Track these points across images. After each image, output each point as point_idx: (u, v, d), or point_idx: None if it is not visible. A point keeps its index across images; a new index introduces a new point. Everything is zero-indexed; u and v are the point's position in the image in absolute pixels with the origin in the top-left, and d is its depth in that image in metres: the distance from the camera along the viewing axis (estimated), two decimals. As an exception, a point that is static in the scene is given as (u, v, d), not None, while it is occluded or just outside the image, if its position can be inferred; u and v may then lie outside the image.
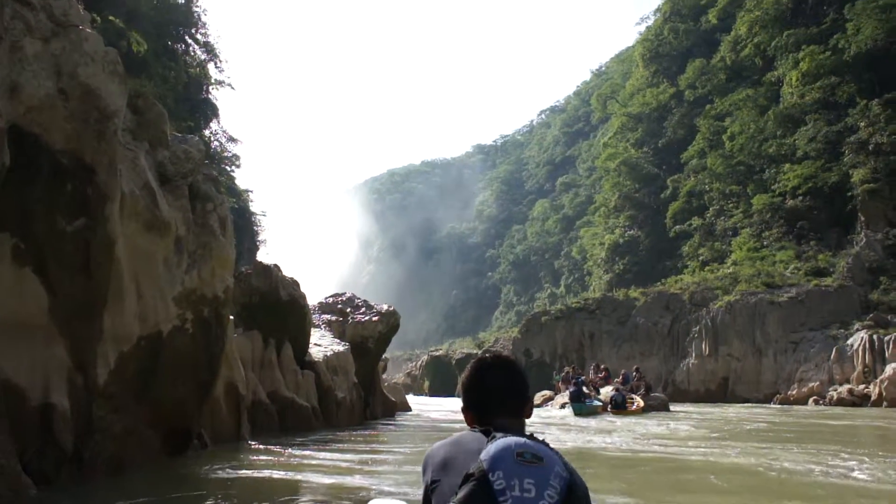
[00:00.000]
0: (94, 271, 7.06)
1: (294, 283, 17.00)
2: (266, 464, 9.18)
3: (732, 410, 26.32)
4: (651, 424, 17.86)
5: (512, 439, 1.91)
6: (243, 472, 8.71)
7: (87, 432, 7.14)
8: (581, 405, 23.12)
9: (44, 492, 6.36)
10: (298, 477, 8.45)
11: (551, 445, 1.94)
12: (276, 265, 17.08)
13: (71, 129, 6.76)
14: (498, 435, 1.96)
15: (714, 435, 14.89)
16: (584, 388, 25.07)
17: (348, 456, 10.60)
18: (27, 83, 6.38)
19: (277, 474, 8.56)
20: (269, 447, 11.31)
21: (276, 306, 16.36)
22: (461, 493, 1.82)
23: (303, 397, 16.35)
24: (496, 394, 2.21)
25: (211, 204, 9.93)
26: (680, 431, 16.02)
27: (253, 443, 11.72)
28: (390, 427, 18.60)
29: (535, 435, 2.00)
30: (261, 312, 16.23)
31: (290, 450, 11.17)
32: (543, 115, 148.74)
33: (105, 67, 7.13)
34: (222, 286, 9.93)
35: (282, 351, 16.29)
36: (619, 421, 19.95)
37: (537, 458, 1.85)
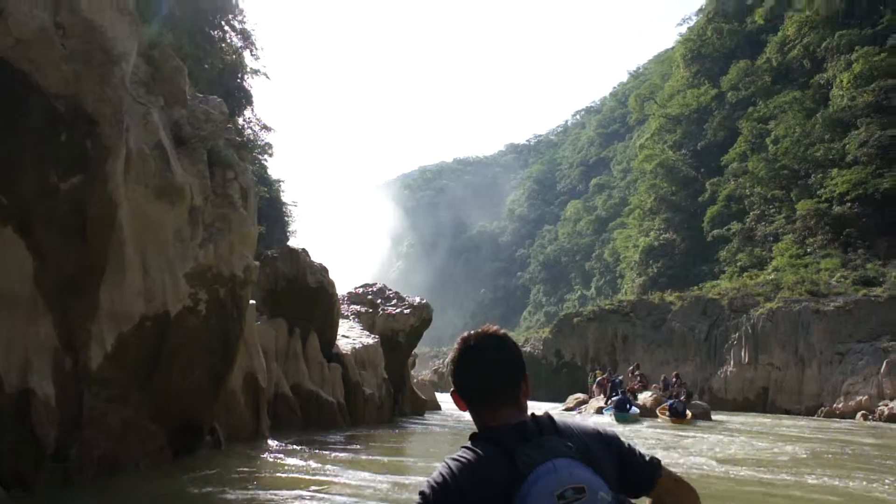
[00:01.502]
0: (91, 237, 6.04)
1: (322, 269, 15.90)
2: (285, 469, 8.07)
3: (791, 423, 24.48)
4: (713, 439, 15.79)
5: (548, 476, 1.75)
6: (255, 487, 7.47)
7: (75, 426, 6.10)
8: (625, 414, 22.05)
9: (17, 497, 5.35)
10: (320, 490, 7.40)
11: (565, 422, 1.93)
12: (303, 249, 16.05)
13: (69, 71, 5.77)
14: (523, 458, 1.79)
15: (804, 455, 12.70)
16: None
17: (376, 458, 9.51)
18: (16, 10, 5.39)
19: (296, 483, 7.43)
20: (290, 447, 10.28)
21: (302, 293, 15.32)
22: None
23: (328, 392, 15.32)
24: (488, 377, 2.00)
25: (232, 172, 8.85)
26: (761, 450, 13.65)
27: (273, 442, 10.65)
28: (421, 427, 17.44)
29: (537, 417, 1.93)
30: (286, 299, 15.21)
31: (313, 451, 10.11)
32: (578, 116, 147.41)
33: (113, 3, 6.15)
34: (242, 264, 8.85)
35: (307, 341, 15.25)
36: (674, 433, 17.83)
37: (579, 491, 1.73)
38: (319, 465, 8.48)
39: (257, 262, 15.51)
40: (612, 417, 22.33)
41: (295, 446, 10.41)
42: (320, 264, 16.00)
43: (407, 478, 7.29)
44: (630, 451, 2.01)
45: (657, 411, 23.98)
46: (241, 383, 10.34)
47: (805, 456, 12.70)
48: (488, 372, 2.01)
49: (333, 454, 9.52)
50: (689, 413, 22.36)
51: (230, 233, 8.47)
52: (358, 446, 11.52)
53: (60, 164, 5.78)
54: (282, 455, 9.39)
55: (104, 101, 6.01)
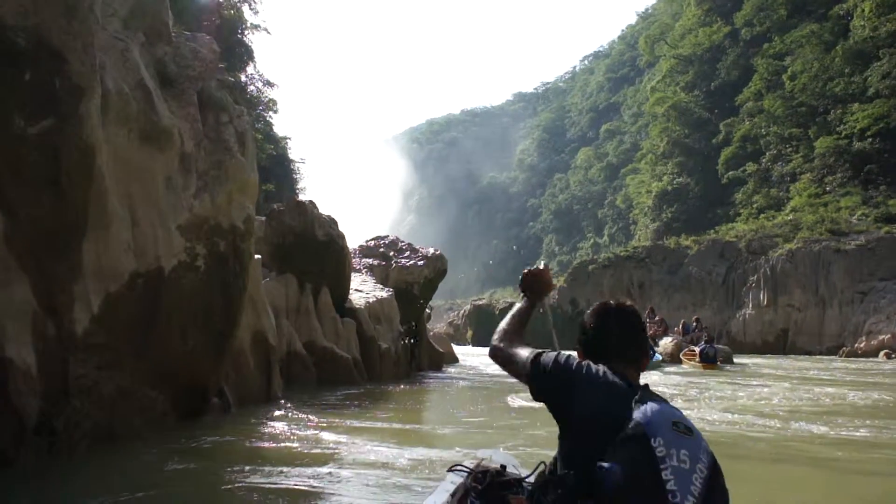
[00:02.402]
0: (67, 187, 5.37)
1: (332, 222, 15.16)
2: (295, 437, 7.43)
3: (821, 365, 23.55)
4: (753, 387, 14.48)
5: (666, 407, 1.99)
6: (269, 443, 7.09)
7: (62, 396, 5.51)
8: (652, 361, 21.44)
9: (-5, 476, 4.84)
10: (341, 450, 6.82)
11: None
12: (310, 201, 15.35)
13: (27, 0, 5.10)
14: (644, 393, 2.04)
15: (865, 403, 11.46)
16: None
17: (396, 425, 8.84)
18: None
19: (312, 448, 6.88)
20: (303, 408, 9.73)
21: (311, 247, 14.63)
22: (622, 454, 1.89)
23: (343, 348, 14.78)
24: (621, 341, 2.25)
25: (226, 115, 8.11)
26: (814, 399, 12.19)
27: (286, 402, 10.12)
28: (441, 381, 16.81)
29: (649, 388, 2.12)
30: (295, 254, 14.53)
31: (327, 412, 9.54)
32: (586, 61, 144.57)
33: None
34: (242, 215, 8.18)
35: (319, 297, 14.65)
36: (708, 380, 16.50)
37: (689, 430, 1.93)
38: (333, 431, 7.85)
39: (263, 217, 14.95)
40: None
41: (308, 407, 9.85)
42: (329, 216, 15.27)
43: (431, 451, 6.65)
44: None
45: (681, 356, 23.43)
46: (250, 343, 9.75)
47: (867, 404, 11.63)
48: (627, 336, 2.28)
49: (348, 421, 8.90)
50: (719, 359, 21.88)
51: (227, 181, 7.77)
52: (375, 406, 10.94)
53: (26, 106, 5.08)
54: (293, 418, 8.82)
55: (71, 33, 5.31)
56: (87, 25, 5.48)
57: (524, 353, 2.45)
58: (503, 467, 2.94)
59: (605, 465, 1.90)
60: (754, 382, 15.81)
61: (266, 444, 7.04)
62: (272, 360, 10.34)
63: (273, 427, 8.05)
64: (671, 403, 2.03)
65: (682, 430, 1.90)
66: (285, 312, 13.85)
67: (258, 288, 10.04)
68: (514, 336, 2.64)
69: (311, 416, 8.91)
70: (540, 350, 2.40)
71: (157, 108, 6.71)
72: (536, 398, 2.32)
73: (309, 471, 5.69)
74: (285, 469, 5.70)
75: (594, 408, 2.06)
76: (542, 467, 2.46)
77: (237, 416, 8.62)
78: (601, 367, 2.17)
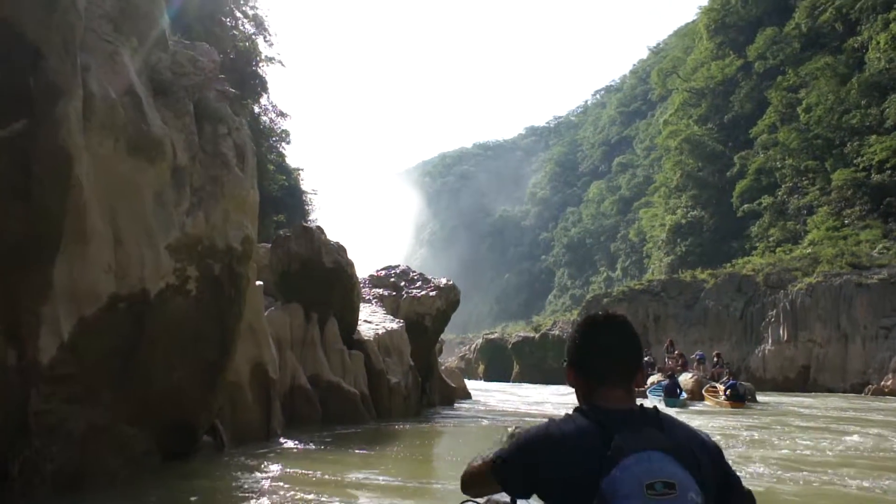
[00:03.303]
0: (39, 197, 4.72)
1: (340, 249, 14.47)
2: (296, 478, 6.72)
3: (850, 404, 22.43)
4: (794, 430, 13.05)
5: (639, 465, 1.75)
6: (258, 498, 6.13)
7: (20, 435, 4.82)
8: (675, 399, 20.60)
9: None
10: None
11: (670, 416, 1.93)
12: (318, 227, 14.77)
13: (-1, -12, 4.56)
14: (618, 443, 1.79)
15: None
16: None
17: (405, 471, 8.03)
18: None
19: (309, 497, 6.06)
20: (305, 447, 9.00)
21: (318, 275, 13.99)
22: None
23: (350, 382, 14.05)
24: (608, 356, 2.06)
25: (225, 127, 7.51)
26: (867, 445, 10.99)
27: (286, 441, 9.33)
28: (453, 420, 15.91)
29: (645, 408, 1.95)
30: (301, 282, 13.88)
31: (330, 454, 8.74)
32: (598, 95, 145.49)
33: None
34: (239, 235, 7.49)
35: (326, 327, 13.98)
36: (740, 421, 15.35)
37: (670, 487, 1.72)
38: (330, 487, 6.97)
39: (267, 244, 14.37)
40: (661, 402, 20.51)
41: (311, 446, 9.10)
42: (337, 243, 14.59)
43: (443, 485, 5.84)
44: (735, 476, 1.97)
45: (704, 393, 22.50)
46: (249, 376, 9.04)
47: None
48: (615, 351, 2.05)
49: (350, 473, 7.86)
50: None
51: (224, 198, 7.14)
52: (382, 453, 9.91)
53: (-4, 105, 4.56)
54: (293, 461, 8.03)
55: (50, 27, 4.76)
56: (69, 20, 4.94)
57: (477, 462, 2.20)
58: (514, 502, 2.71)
59: None
60: (792, 423, 14.68)
61: (253, 494, 6.18)
62: (272, 394, 9.58)
63: (267, 474, 7.19)
64: (668, 430, 1.85)
65: (661, 490, 1.70)
66: (290, 344, 13.18)
67: (259, 316, 9.36)
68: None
69: (309, 463, 8.04)
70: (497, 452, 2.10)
71: (147, 116, 6.13)
72: (516, 490, 2.07)
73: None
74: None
75: (556, 472, 1.86)
76: None
77: (231, 457, 7.81)
78: (569, 421, 1.94)
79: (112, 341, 5.85)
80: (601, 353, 2.03)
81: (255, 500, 6.04)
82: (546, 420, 1.99)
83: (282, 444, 9.13)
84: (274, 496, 6.24)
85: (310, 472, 7.67)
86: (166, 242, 6.45)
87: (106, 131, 5.65)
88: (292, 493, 6.40)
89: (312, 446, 9.31)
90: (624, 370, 2.03)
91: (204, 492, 6.07)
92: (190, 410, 6.84)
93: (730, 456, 6.95)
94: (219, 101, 7.54)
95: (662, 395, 21.05)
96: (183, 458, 6.95)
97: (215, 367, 7.15)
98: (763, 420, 16.18)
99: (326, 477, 7.49)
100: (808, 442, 11.53)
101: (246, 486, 6.53)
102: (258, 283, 9.44)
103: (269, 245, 14.18)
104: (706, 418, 16.31)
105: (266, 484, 6.79)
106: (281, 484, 6.81)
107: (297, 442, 9.39)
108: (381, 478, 7.62)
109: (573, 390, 2.09)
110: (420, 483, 7.51)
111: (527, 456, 1.93)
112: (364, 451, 9.70)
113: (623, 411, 1.92)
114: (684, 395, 21.55)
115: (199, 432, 7.22)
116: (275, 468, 7.48)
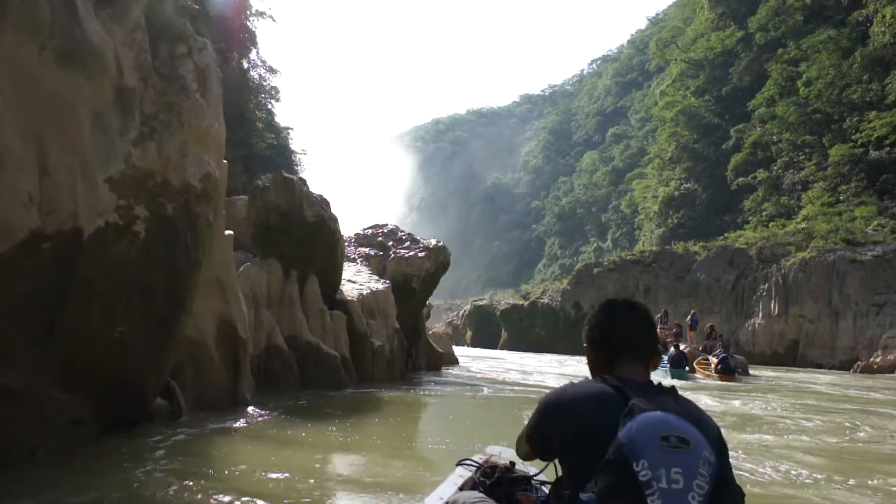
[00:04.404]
0: None
1: (323, 202, 13.55)
2: (250, 459, 5.71)
3: (842, 380, 22.05)
4: (788, 406, 12.43)
5: (655, 417, 1.79)
6: (208, 478, 5.06)
7: None
8: (682, 371, 20.02)
9: None
10: (300, 488, 4.95)
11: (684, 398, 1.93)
12: (300, 178, 13.94)
13: None
14: (635, 403, 1.84)
15: None
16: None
17: (387, 448, 7.04)
18: None
19: (260, 489, 4.83)
20: (274, 416, 8.18)
21: (299, 229, 13.23)
22: (602, 483, 1.75)
23: (330, 344, 13.35)
24: (629, 336, 2.14)
25: (184, 46, 6.59)
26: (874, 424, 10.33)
27: (254, 409, 8.50)
28: (439, 385, 15.19)
29: (662, 385, 1.99)
30: (280, 236, 13.09)
31: (300, 424, 7.91)
32: (594, 65, 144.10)
33: None
34: (199, 172, 6.61)
35: (306, 286, 13.23)
36: (732, 395, 14.71)
37: (684, 441, 1.74)
38: (304, 454, 6.13)
39: (244, 197, 13.58)
40: (667, 373, 19.92)
41: (281, 415, 8.32)
42: (320, 195, 13.72)
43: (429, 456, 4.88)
44: (731, 470, 1.90)
45: (695, 365, 21.96)
46: (215, 334, 8.23)
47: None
48: (635, 331, 2.16)
49: (321, 450, 6.70)
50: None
51: (182, 128, 6.26)
52: (361, 422, 8.94)
53: None
54: (257, 432, 7.20)
55: None
56: None
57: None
58: (512, 464, 2.85)
59: (584, 496, 1.80)
60: (784, 398, 14.12)
61: (203, 481, 4.99)
62: (241, 356, 8.76)
63: (220, 447, 6.30)
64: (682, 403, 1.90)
65: (675, 443, 1.73)
66: (267, 302, 12.48)
67: (228, 268, 8.55)
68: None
69: (277, 432, 7.33)
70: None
71: (82, 21, 5.24)
72: (548, 456, 2.21)
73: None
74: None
75: (575, 429, 1.94)
76: (550, 466, 2.27)
77: (187, 425, 7.04)
78: (587, 382, 2.07)
79: (33, 287, 5.00)
80: (622, 333, 2.14)
81: (201, 482, 4.93)
82: (566, 382, 2.12)
83: (248, 412, 8.30)
84: (226, 471, 5.34)
85: (275, 437, 6.97)
86: (107, 175, 5.56)
87: (25, 32, 4.81)
88: (247, 471, 5.44)
89: (280, 414, 8.52)
90: (643, 350, 2.13)
91: (143, 466, 5.12)
92: (135, 371, 5.98)
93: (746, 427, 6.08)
94: (179, 17, 6.63)
95: (668, 365, 20.38)
96: (128, 427, 6.13)
97: (166, 321, 6.27)
98: (756, 393, 15.68)
99: (293, 442, 6.79)
100: (806, 422, 10.72)
101: (196, 462, 5.57)
102: (228, 232, 8.66)
103: (244, 197, 13.38)
104: (707, 394, 15.15)
105: (218, 462, 5.74)
106: (237, 462, 5.71)
107: (266, 408, 8.62)
108: (350, 468, 6.25)
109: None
110: (397, 476, 5.78)
111: (548, 419, 2.06)
112: (338, 425, 8.37)
113: (640, 382, 2.00)
114: (687, 367, 20.96)
115: (149, 396, 6.45)
116: (228, 441, 6.59)
